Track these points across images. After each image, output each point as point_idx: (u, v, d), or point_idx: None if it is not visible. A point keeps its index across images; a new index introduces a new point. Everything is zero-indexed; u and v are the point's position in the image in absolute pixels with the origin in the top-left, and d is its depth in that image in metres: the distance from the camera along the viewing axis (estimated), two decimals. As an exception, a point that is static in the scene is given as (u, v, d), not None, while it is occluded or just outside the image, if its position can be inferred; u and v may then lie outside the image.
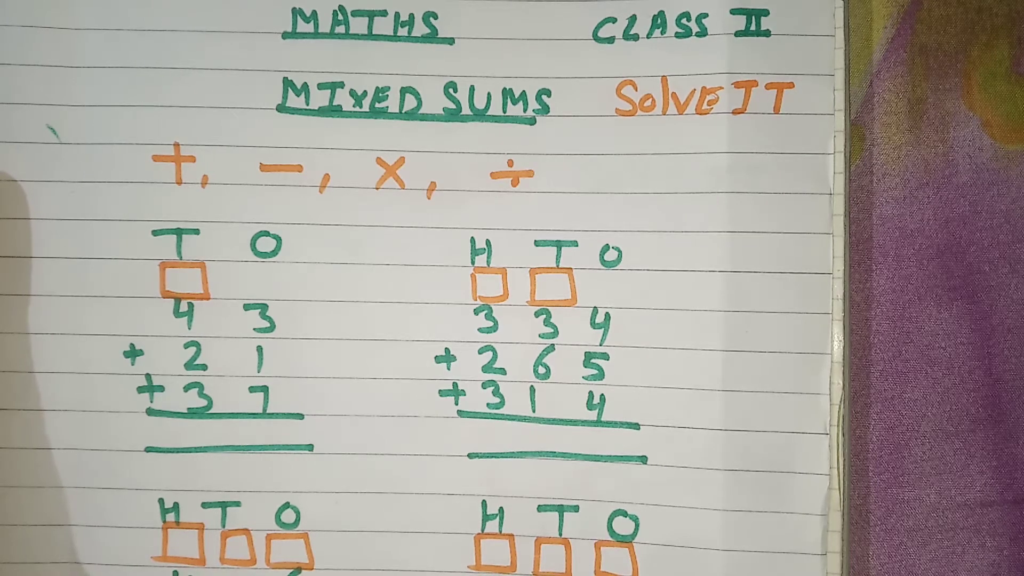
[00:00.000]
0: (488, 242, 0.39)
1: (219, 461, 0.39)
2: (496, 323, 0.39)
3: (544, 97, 0.39)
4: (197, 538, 0.39)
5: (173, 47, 0.39)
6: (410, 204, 0.39)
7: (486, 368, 0.39)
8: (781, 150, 0.38)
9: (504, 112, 0.39)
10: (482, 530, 0.39)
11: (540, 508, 0.39)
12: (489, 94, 0.39)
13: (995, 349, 0.40)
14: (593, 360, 0.39)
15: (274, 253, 0.39)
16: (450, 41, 0.39)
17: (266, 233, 0.39)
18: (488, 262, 0.39)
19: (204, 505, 0.39)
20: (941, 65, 0.40)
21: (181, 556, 0.39)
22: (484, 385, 0.39)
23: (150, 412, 0.39)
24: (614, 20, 0.39)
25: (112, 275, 0.39)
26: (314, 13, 0.39)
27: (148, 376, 0.39)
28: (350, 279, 0.39)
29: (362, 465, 0.39)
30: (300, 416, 0.39)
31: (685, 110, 0.39)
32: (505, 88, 0.39)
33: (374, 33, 0.39)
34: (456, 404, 0.39)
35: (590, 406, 0.39)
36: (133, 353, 0.39)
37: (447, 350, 0.39)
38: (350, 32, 0.39)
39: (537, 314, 0.39)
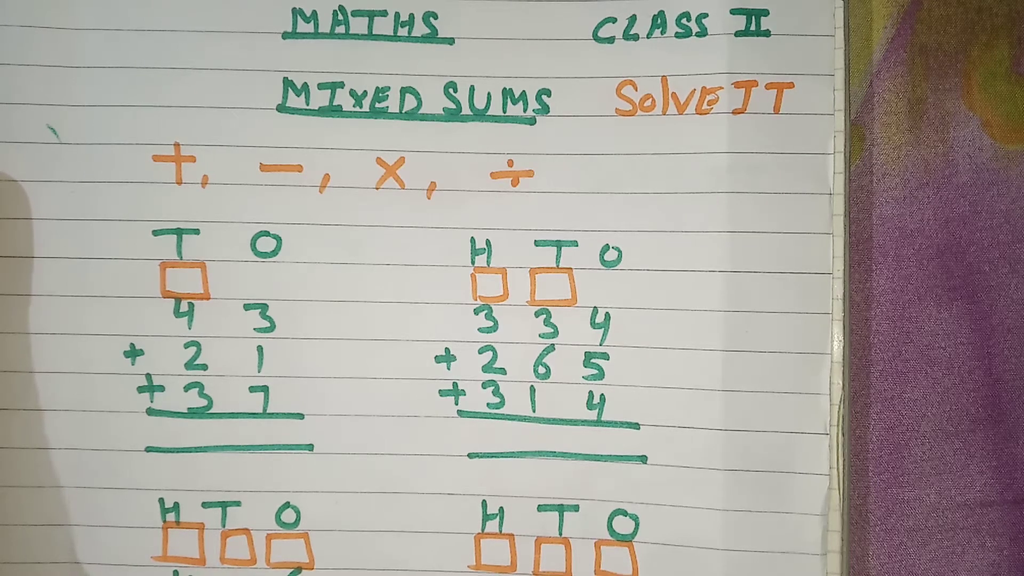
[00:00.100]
0: (488, 242, 0.39)
1: (219, 461, 0.39)
2: (496, 323, 0.39)
3: (544, 97, 0.39)
4: (197, 538, 0.39)
5: (173, 47, 0.39)
6: (410, 204, 0.39)
7: (486, 368, 0.39)
8: (781, 150, 0.38)
9: (504, 112, 0.39)
10: (482, 530, 0.39)
11: (540, 508, 0.39)
12: (489, 94, 0.39)
13: (995, 349, 0.40)
14: (593, 360, 0.39)
15: (274, 253, 0.39)
16: (450, 41, 0.39)
17: (266, 233, 0.39)
18: (488, 262, 0.39)
19: (204, 505, 0.39)
20: (941, 65, 0.40)
21: (181, 556, 0.39)
22: (484, 385, 0.39)
23: (150, 412, 0.39)
24: (614, 20, 0.39)
25: (112, 275, 0.39)
26: (314, 13, 0.39)
27: (148, 376, 0.39)
28: (350, 279, 0.39)
29: (362, 465, 0.39)
30: (300, 416, 0.39)
31: (685, 110, 0.39)
32: (505, 88, 0.39)
33: (374, 33, 0.39)
34: (456, 404, 0.39)
35: (590, 406, 0.39)
36: (133, 353, 0.39)
37: (447, 350, 0.39)
38: (350, 32, 0.39)
39: (537, 314, 0.39)
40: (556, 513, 0.39)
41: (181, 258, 0.39)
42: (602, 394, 0.39)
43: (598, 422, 0.39)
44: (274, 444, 0.39)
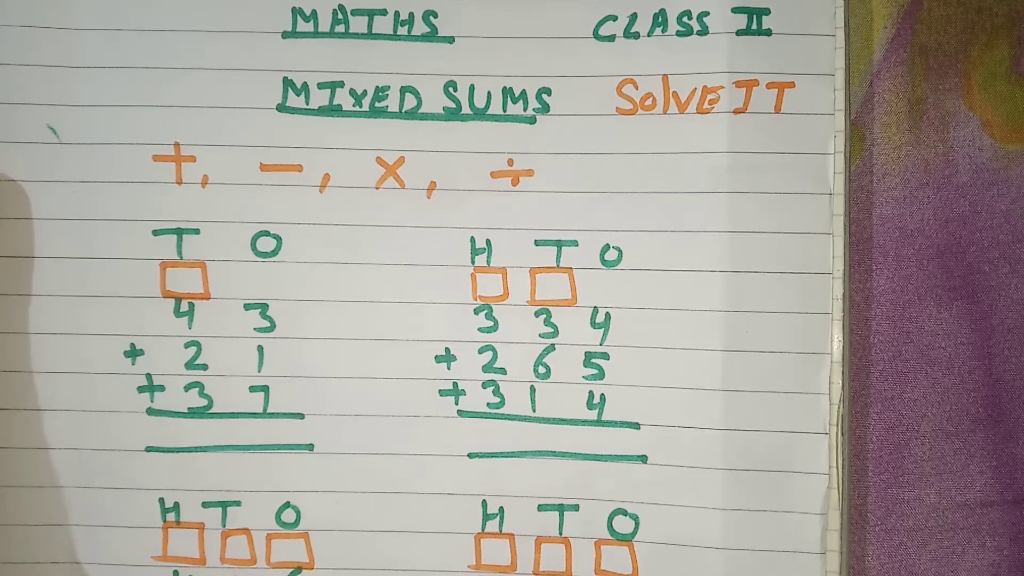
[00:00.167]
0: (488, 242, 0.39)
1: (219, 461, 0.39)
2: (496, 323, 0.39)
3: (544, 96, 0.39)
4: (197, 538, 0.39)
5: (173, 47, 0.39)
6: (410, 204, 0.39)
7: (486, 368, 0.39)
8: (781, 150, 0.38)
9: (504, 111, 0.39)
10: (482, 530, 0.39)
11: (540, 507, 0.39)
12: (489, 93, 0.39)
13: (995, 349, 0.40)
14: (593, 360, 0.39)
15: (274, 253, 0.39)
16: (450, 40, 0.39)
17: (266, 233, 0.39)
18: (488, 262, 0.39)
19: (204, 505, 0.39)
20: (941, 65, 0.40)
21: (181, 556, 0.39)
22: (484, 385, 0.39)
23: (150, 412, 0.39)
24: (615, 18, 0.39)
25: (112, 275, 0.39)
26: (314, 12, 0.39)
27: (148, 376, 0.39)
28: (350, 279, 0.39)
29: (362, 465, 0.39)
30: (300, 416, 0.39)
31: (686, 109, 0.39)
32: (505, 87, 0.39)
33: (374, 32, 0.39)
34: (456, 404, 0.39)
35: (590, 406, 0.39)
36: (133, 353, 0.39)
37: (447, 350, 0.39)
38: (350, 31, 0.39)
39: (537, 314, 0.39)
40: (556, 513, 0.39)
41: (181, 258, 0.39)
42: (602, 394, 0.39)
43: (598, 422, 0.39)
44: (274, 444, 0.39)
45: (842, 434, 0.38)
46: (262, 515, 0.39)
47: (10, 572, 0.39)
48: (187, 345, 0.39)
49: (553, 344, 0.39)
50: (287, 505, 0.39)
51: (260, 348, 0.39)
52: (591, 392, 0.39)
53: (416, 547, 0.39)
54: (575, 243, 0.39)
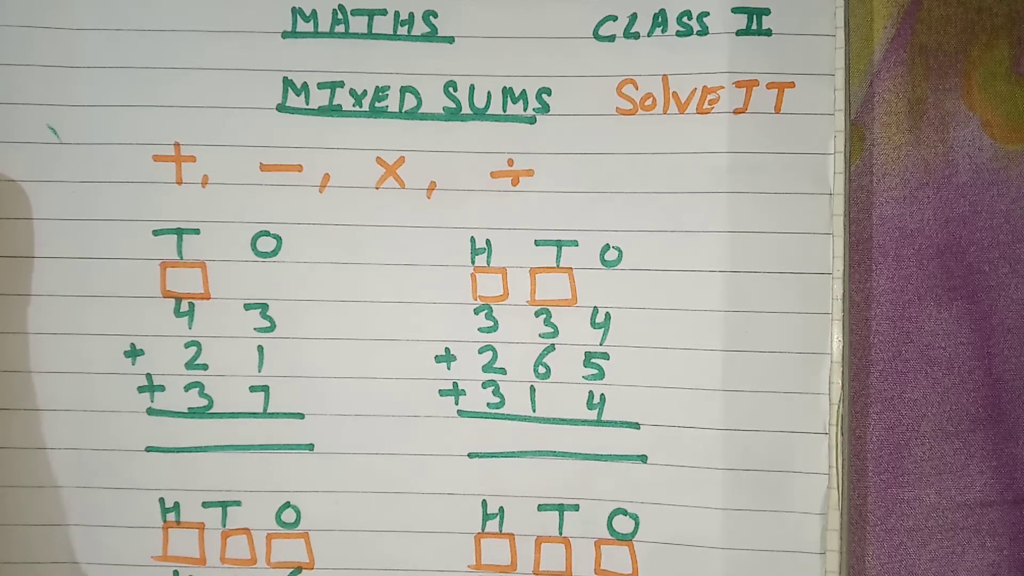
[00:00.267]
0: (488, 242, 0.39)
1: (219, 461, 0.39)
2: (496, 323, 0.39)
3: (544, 96, 0.39)
4: (197, 538, 0.39)
5: (173, 47, 0.39)
6: (410, 204, 0.39)
7: (486, 368, 0.39)
8: (781, 150, 0.38)
9: (504, 111, 0.39)
10: (482, 529, 0.39)
11: (540, 507, 0.39)
12: (489, 93, 0.39)
13: (995, 349, 0.40)
14: (593, 360, 0.39)
15: (274, 253, 0.39)
16: (450, 40, 0.39)
17: (266, 233, 0.39)
18: (488, 262, 0.39)
19: (204, 505, 0.39)
20: (941, 65, 0.40)
21: (181, 556, 0.39)
22: (484, 385, 0.39)
23: (150, 412, 0.39)
24: (615, 18, 0.39)
25: (113, 275, 0.39)
26: (314, 12, 0.39)
27: (148, 376, 0.39)
28: (350, 279, 0.39)
29: (362, 465, 0.39)
30: (300, 416, 0.39)
31: (686, 109, 0.39)
32: (505, 87, 0.39)
33: (374, 32, 0.39)
34: (456, 404, 0.39)
35: (590, 406, 0.39)
36: (134, 353, 0.39)
37: (447, 350, 0.39)
38: (350, 31, 0.39)
39: (537, 314, 0.39)
40: (556, 513, 0.39)
41: (181, 258, 0.39)
42: (602, 394, 0.39)
43: (598, 422, 0.39)
44: (274, 444, 0.39)
45: (842, 434, 0.38)
46: (262, 515, 0.39)
47: (10, 572, 0.39)
48: (187, 345, 0.39)
49: (553, 344, 0.39)
50: (287, 505, 0.39)
51: (260, 348, 0.39)
52: (591, 392, 0.39)
53: (416, 547, 0.39)
54: (575, 243, 0.39)
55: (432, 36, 0.39)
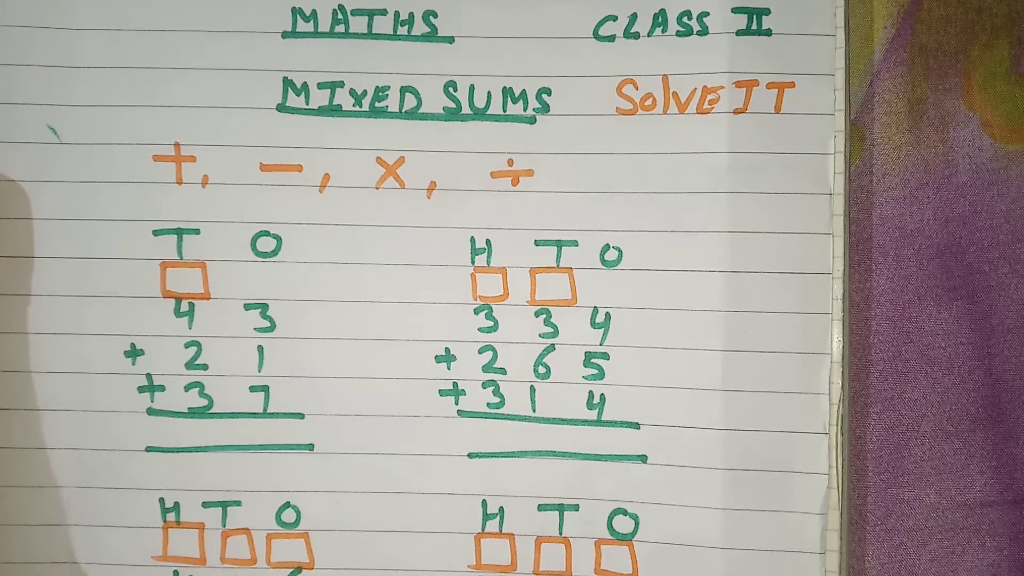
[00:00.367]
0: (488, 242, 0.39)
1: (219, 461, 0.39)
2: (496, 323, 0.39)
3: (544, 96, 0.39)
4: (197, 538, 0.39)
5: (173, 47, 0.39)
6: (410, 204, 0.39)
7: (486, 368, 0.39)
8: (781, 150, 0.38)
9: (504, 111, 0.39)
10: (482, 529, 0.39)
11: (540, 507, 0.39)
12: (489, 93, 0.39)
13: (995, 349, 0.40)
14: (593, 360, 0.39)
15: (274, 253, 0.39)
16: (450, 40, 0.39)
17: (266, 233, 0.39)
18: (488, 262, 0.39)
19: (205, 505, 0.39)
20: (941, 65, 0.40)
21: (181, 556, 0.39)
22: (484, 385, 0.39)
23: (151, 412, 0.39)
24: (615, 18, 0.39)
25: (113, 275, 0.39)
26: (314, 12, 0.39)
27: (149, 376, 0.39)
28: (350, 279, 0.39)
29: (362, 465, 0.39)
30: (300, 416, 0.39)
31: (686, 109, 0.39)
32: (505, 87, 0.39)
33: (374, 32, 0.39)
34: (456, 404, 0.39)
35: (590, 406, 0.39)
36: (134, 353, 0.39)
37: (447, 350, 0.39)
38: (350, 31, 0.39)
39: (537, 314, 0.39)
40: (556, 513, 0.39)
41: (181, 258, 0.39)
42: (602, 394, 0.39)
43: (598, 422, 0.39)
44: (274, 444, 0.39)
45: (842, 434, 0.38)
46: (262, 515, 0.39)
47: (10, 572, 0.39)
48: (187, 345, 0.39)
49: (553, 344, 0.39)
50: (287, 505, 0.39)
51: (260, 348, 0.39)
52: (591, 392, 0.39)
53: (416, 547, 0.39)
54: (575, 243, 0.39)
55: (432, 36, 0.39)
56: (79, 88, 0.39)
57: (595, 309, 0.39)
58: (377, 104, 0.39)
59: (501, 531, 0.39)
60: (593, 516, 0.39)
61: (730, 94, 0.38)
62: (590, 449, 0.39)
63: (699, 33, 0.39)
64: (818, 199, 0.38)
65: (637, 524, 0.39)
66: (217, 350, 0.39)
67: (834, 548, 0.38)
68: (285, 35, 0.39)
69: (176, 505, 0.39)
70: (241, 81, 0.39)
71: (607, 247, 0.39)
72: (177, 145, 0.39)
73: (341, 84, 0.39)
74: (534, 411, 0.39)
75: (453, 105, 0.39)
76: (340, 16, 0.39)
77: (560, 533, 0.39)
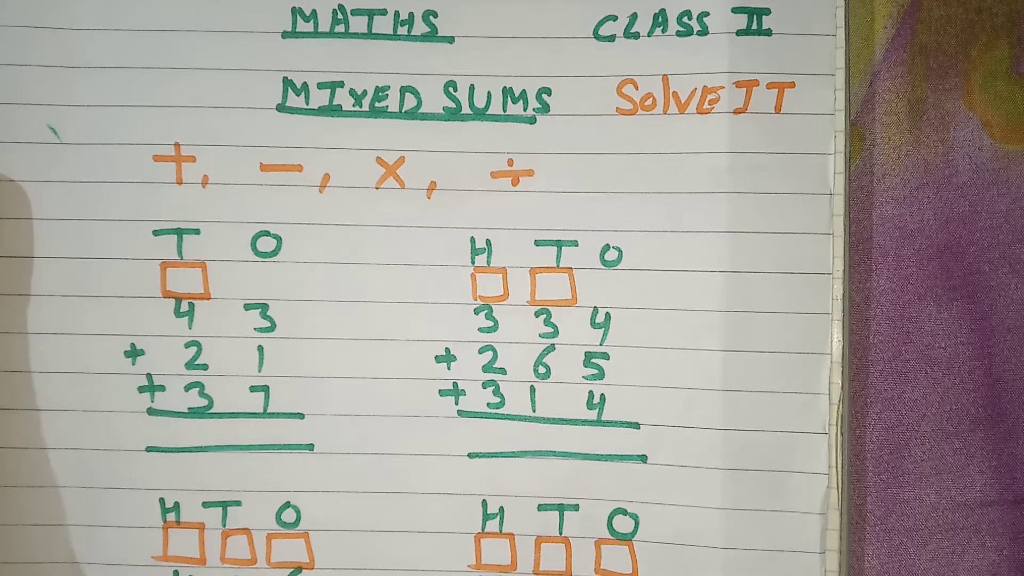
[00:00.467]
0: (488, 242, 0.39)
1: (220, 461, 0.39)
2: (496, 323, 0.39)
3: (544, 96, 0.39)
4: (198, 538, 0.39)
5: (173, 47, 0.39)
6: (410, 204, 0.39)
7: (486, 368, 0.39)
8: (781, 150, 0.38)
9: (504, 111, 0.39)
10: (482, 529, 0.39)
11: (540, 507, 0.39)
12: (489, 93, 0.39)
13: (995, 349, 0.40)
14: (593, 360, 0.39)
15: (274, 253, 0.39)
16: (450, 40, 0.39)
17: (266, 233, 0.39)
18: (488, 262, 0.39)
19: (205, 505, 0.39)
20: (941, 65, 0.40)
21: (182, 556, 0.39)
22: (484, 385, 0.39)
23: (151, 412, 0.39)
24: (615, 18, 0.39)
25: (113, 275, 0.39)
26: (314, 12, 0.39)
27: (149, 376, 0.39)
28: (350, 279, 0.39)
29: (362, 465, 0.39)
30: (300, 416, 0.39)
31: (686, 109, 0.39)
32: (505, 87, 0.39)
33: (374, 32, 0.39)
34: (456, 404, 0.39)
35: (590, 406, 0.39)
36: (134, 353, 0.39)
37: (447, 350, 0.39)
38: (350, 31, 0.39)
39: (537, 314, 0.39)
40: (556, 512, 0.39)
41: (181, 258, 0.39)
42: (602, 394, 0.39)
43: (598, 422, 0.39)
44: (274, 444, 0.39)
45: (842, 434, 0.38)
46: (262, 515, 0.39)
47: (10, 572, 0.39)
48: (187, 345, 0.39)
49: (553, 344, 0.39)
50: (287, 505, 0.39)
51: (260, 348, 0.39)
52: (591, 392, 0.39)
53: (416, 547, 0.39)
54: (575, 243, 0.39)
55: (432, 36, 0.39)
56: (79, 88, 0.39)
57: (595, 309, 0.39)
58: (377, 104, 0.39)
59: (501, 531, 0.39)
60: (593, 516, 0.39)
61: (730, 94, 0.38)
62: (590, 449, 0.39)
63: (699, 33, 0.39)
64: (818, 199, 0.38)
65: (637, 524, 0.39)
66: (217, 350, 0.39)
67: (834, 548, 0.38)
68: (285, 35, 0.39)
69: (176, 505, 0.39)
70: (241, 81, 0.39)
71: (607, 247, 0.39)
72: (177, 145, 0.39)
73: (341, 84, 0.39)
74: (534, 411, 0.39)
75: (453, 105, 0.39)
76: (340, 16, 0.39)
77: (560, 533, 0.39)
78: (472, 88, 0.39)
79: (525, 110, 0.39)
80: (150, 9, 0.39)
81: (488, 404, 0.39)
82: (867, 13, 0.40)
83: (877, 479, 0.40)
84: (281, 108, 0.39)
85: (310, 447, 0.39)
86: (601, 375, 0.39)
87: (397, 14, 0.39)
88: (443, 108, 0.39)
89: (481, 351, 0.39)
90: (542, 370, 0.39)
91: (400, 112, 0.39)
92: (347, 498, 0.39)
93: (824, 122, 0.38)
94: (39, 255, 0.39)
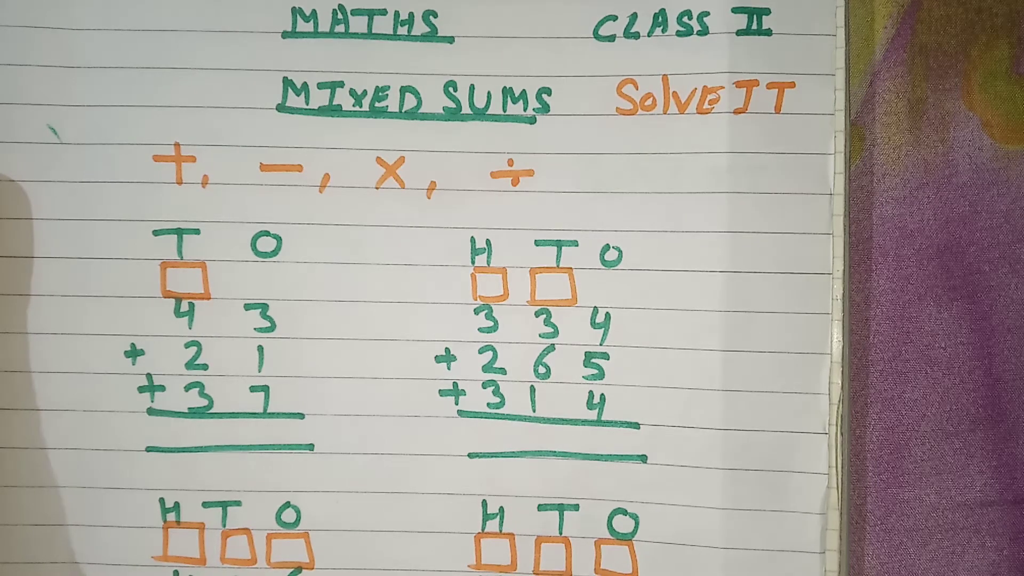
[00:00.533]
0: (488, 242, 0.39)
1: (220, 461, 0.39)
2: (496, 323, 0.39)
3: (544, 96, 0.39)
4: (198, 538, 0.39)
5: (173, 47, 0.39)
6: (410, 204, 0.39)
7: (486, 368, 0.39)
8: (781, 150, 0.38)
9: (504, 111, 0.39)
10: (482, 529, 0.39)
11: (540, 507, 0.39)
12: (489, 93, 0.39)
13: (995, 349, 0.40)
14: (593, 360, 0.39)
15: (274, 253, 0.39)
16: (450, 40, 0.39)
17: (266, 233, 0.39)
18: (488, 262, 0.39)
19: (205, 505, 0.39)
20: (941, 65, 0.40)
21: (182, 556, 0.39)
22: (484, 385, 0.39)
23: (151, 412, 0.39)
24: (615, 18, 0.39)
25: (113, 275, 0.39)
26: (314, 12, 0.39)
27: (149, 376, 0.39)
28: (350, 279, 0.39)
29: (362, 465, 0.39)
30: (300, 416, 0.39)
31: (686, 109, 0.39)
32: (505, 87, 0.39)
33: (374, 32, 0.39)
34: (456, 404, 0.39)
35: (590, 406, 0.39)
36: (134, 353, 0.39)
37: (447, 350, 0.39)
38: (350, 31, 0.39)
39: (537, 314, 0.39)
40: (556, 512, 0.39)
41: (181, 258, 0.39)
42: (602, 394, 0.39)
43: (598, 422, 0.39)
44: (274, 444, 0.39)
45: (842, 434, 0.38)
46: (262, 515, 0.39)
47: (10, 572, 0.39)
48: (187, 345, 0.39)
49: (553, 344, 0.39)
50: (287, 505, 0.39)
51: (260, 348, 0.39)
52: (591, 392, 0.39)
53: (416, 547, 0.39)
54: (575, 243, 0.39)
55: (432, 36, 0.39)
56: (79, 88, 0.39)
57: (595, 309, 0.39)
58: (377, 104, 0.39)
59: (501, 531, 0.39)
60: (593, 516, 0.39)
61: (730, 94, 0.38)
62: (590, 449, 0.39)
63: (699, 33, 0.39)
64: (818, 199, 0.38)
65: (637, 524, 0.39)
66: (217, 350, 0.39)
67: (834, 548, 0.38)
68: (285, 35, 0.39)
69: (176, 505, 0.39)
70: (241, 81, 0.39)
71: (607, 247, 0.39)
72: (177, 145, 0.39)
73: (341, 84, 0.39)
74: (534, 411, 0.39)
75: (453, 105, 0.39)
76: (340, 16, 0.39)
77: (560, 533, 0.39)
78: (472, 88, 0.39)
79: (525, 110, 0.39)
80: (150, 9, 0.39)
81: (488, 404, 0.39)
82: (867, 13, 0.40)
83: (877, 479, 0.40)
84: (281, 108, 0.39)
85: (310, 447, 0.39)
86: (601, 375, 0.39)
87: (397, 14, 0.39)
88: (443, 108, 0.39)
89: (481, 351, 0.39)
90: (542, 370, 0.39)
91: (400, 112, 0.39)
92: (347, 498, 0.39)
93: (824, 122, 0.38)
94: (39, 255, 0.39)
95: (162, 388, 0.39)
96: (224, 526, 0.39)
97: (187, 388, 0.39)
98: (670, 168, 0.39)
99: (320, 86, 0.39)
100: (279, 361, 0.39)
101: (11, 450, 0.39)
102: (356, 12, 0.39)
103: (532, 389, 0.39)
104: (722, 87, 0.38)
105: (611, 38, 0.39)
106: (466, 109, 0.39)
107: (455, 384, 0.39)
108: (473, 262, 0.39)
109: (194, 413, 0.39)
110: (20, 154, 0.39)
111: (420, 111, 0.39)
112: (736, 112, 0.38)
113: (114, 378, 0.39)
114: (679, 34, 0.39)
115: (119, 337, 0.39)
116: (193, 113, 0.39)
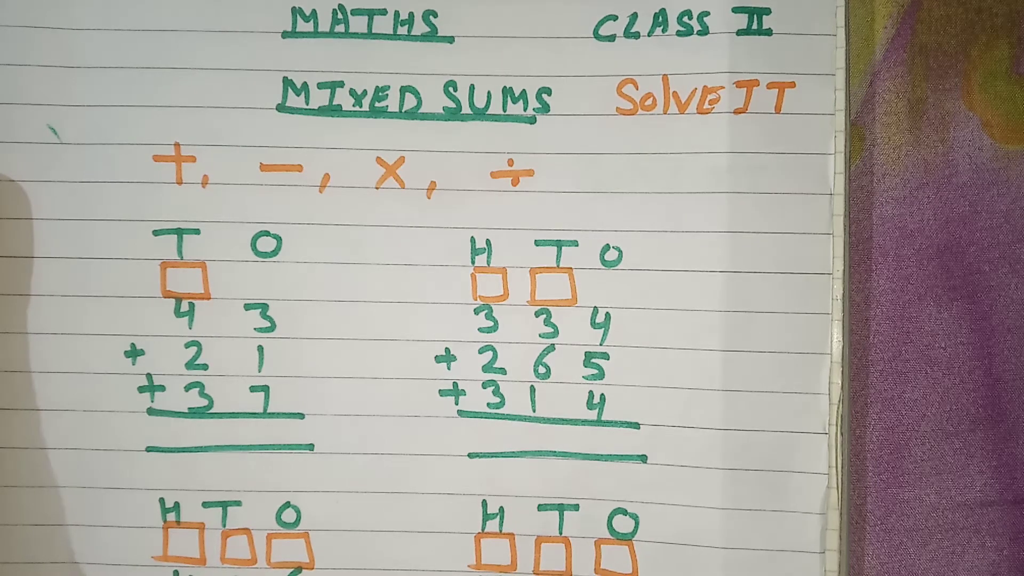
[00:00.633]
0: (488, 242, 0.39)
1: (220, 461, 0.39)
2: (496, 323, 0.39)
3: (544, 96, 0.39)
4: (198, 538, 0.39)
5: (173, 47, 0.39)
6: (410, 204, 0.39)
7: (486, 368, 0.39)
8: (782, 150, 0.38)
9: (504, 111, 0.39)
10: (482, 529, 0.39)
11: (540, 507, 0.39)
12: (489, 93, 0.39)
13: (995, 349, 0.40)
14: (593, 360, 0.39)
15: (274, 253, 0.39)
16: (450, 40, 0.39)
17: (266, 233, 0.39)
18: (488, 262, 0.39)
19: (205, 505, 0.39)
20: (941, 65, 0.40)
21: (182, 556, 0.39)
22: (484, 385, 0.39)
23: (151, 412, 0.39)
24: (615, 18, 0.39)
25: (113, 275, 0.39)
26: (314, 12, 0.39)
27: (149, 376, 0.39)
28: (350, 279, 0.39)
29: (362, 465, 0.39)
30: (301, 416, 0.39)
31: (686, 109, 0.39)
32: (505, 87, 0.39)
33: (374, 32, 0.39)
34: (456, 404, 0.39)
35: (590, 405, 0.39)
36: (134, 353, 0.39)
37: (447, 350, 0.39)
38: (350, 31, 0.39)
39: (537, 314, 0.39)
40: (556, 512, 0.39)
41: (181, 258, 0.39)
42: (602, 394, 0.39)
43: (598, 422, 0.39)
44: (274, 444, 0.39)
45: (842, 434, 0.38)
46: (262, 515, 0.39)
47: (10, 572, 0.39)
48: (187, 345, 0.39)
49: (553, 344, 0.39)
50: (287, 505, 0.39)
51: (260, 348, 0.39)
52: (591, 392, 0.39)
53: (416, 547, 0.39)
54: (575, 243, 0.39)
55: (432, 36, 0.39)
56: (79, 88, 0.39)
57: (595, 309, 0.39)
58: (377, 104, 0.39)
59: (501, 531, 0.39)
60: (593, 516, 0.39)
61: (730, 94, 0.38)
62: (590, 449, 0.39)
63: (699, 33, 0.39)
64: (818, 199, 0.38)
65: (637, 524, 0.39)
66: (217, 350, 0.39)
67: (834, 548, 0.38)
68: (285, 35, 0.39)
69: (176, 505, 0.39)
70: (241, 81, 0.39)
71: (607, 247, 0.39)
72: (177, 145, 0.39)
73: (341, 84, 0.39)
74: (534, 411, 0.39)
75: (453, 105, 0.39)
76: (340, 16, 0.39)
77: (560, 533, 0.39)
78: (472, 88, 0.39)
79: (525, 110, 0.39)
80: (150, 9, 0.39)
81: (488, 404, 0.39)
82: (867, 13, 0.40)
83: (877, 479, 0.40)
84: (281, 108, 0.39)
85: (310, 447, 0.39)
86: (601, 375, 0.39)
87: (397, 14, 0.39)
88: (443, 108, 0.39)
89: (481, 351, 0.39)
90: (542, 370, 0.39)
91: (400, 112, 0.39)
92: (347, 498, 0.39)
93: (824, 122, 0.38)
94: (39, 255, 0.39)
95: (162, 388, 0.39)
96: (224, 526, 0.39)
97: (187, 388, 0.39)
98: (670, 168, 0.39)
99: (320, 86, 0.39)
100: (279, 361, 0.39)
101: (11, 450, 0.39)
102: (356, 12, 0.39)
103: (532, 389, 0.39)
104: (722, 87, 0.38)
105: (611, 38, 0.39)
106: (466, 109, 0.39)
107: (455, 384, 0.39)
108: (473, 262, 0.39)
109: (194, 413, 0.39)
110: (20, 154, 0.39)
111: (420, 111, 0.39)
112: (736, 112, 0.38)
113: (114, 378, 0.39)
114: (679, 34, 0.39)
115: (119, 337, 0.39)
116: (193, 113, 0.39)
